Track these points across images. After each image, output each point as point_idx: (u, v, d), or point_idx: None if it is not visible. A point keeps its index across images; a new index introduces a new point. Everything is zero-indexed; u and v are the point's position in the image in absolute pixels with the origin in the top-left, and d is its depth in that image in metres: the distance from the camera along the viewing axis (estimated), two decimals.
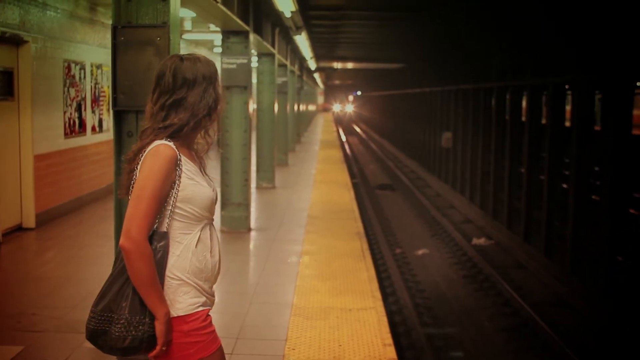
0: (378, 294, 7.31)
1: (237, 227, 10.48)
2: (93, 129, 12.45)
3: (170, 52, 5.10)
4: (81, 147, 11.94)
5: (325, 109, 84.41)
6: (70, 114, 11.44)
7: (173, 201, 2.98)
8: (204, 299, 3.04)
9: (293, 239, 10.06)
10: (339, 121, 76.65)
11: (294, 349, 5.72)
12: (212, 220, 3.17)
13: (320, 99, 78.37)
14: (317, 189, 15.51)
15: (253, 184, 13.82)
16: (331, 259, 8.78)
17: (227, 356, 5.54)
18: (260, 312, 6.75)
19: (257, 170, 15.26)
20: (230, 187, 10.50)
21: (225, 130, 10.46)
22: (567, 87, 15.68)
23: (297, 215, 12.07)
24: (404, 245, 17.05)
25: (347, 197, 14.19)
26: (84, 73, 11.99)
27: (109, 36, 12.90)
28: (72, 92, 11.49)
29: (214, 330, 3.08)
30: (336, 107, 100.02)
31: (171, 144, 2.98)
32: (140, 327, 2.90)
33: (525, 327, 11.18)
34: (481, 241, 17.21)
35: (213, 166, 16.64)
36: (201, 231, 3.06)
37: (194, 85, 3.03)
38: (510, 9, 14.44)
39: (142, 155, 2.99)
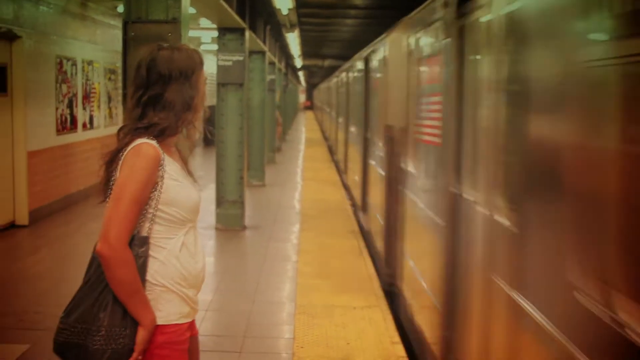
0: (380, 292, 7.30)
1: (232, 225, 10.43)
2: (84, 125, 12.35)
3: None
4: (72, 144, 11.83)
5: (306, 107, 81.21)
6: (62, 110, 11.34)
7: (155, 204, 2.75)
8: (187, 309, 2.85)
9: (288, 237, 10.03)
10: None
11: (302, 347, 5.69)
12: (196, 224, 2.96)
13: (302, 97, 77.82)
14: (307, 186, 15.48)
15: None
16: (329, 257, 8.76)
17: (236, 355, 5.55)
18: (265, 310, 6.71)
19: (248, 168, 15.20)
20: (226, 184, 10.45)
21: (220, 127, 10.42)
22: None
23: (289, 213, 12.04)
24: None
25: (338, 195, 14.17)
26: (76, 69, 11.89)
27: (99, 32, 12.92)
28: (64, 88, 11.38)
29: (186, 349, 2.87)
30: None
31: (154, 142, 2.75)
32: (121, 339, 2.67)
33: None
34: None
35: (198, 163, 16.47)
36: (185, 235, 2.84)
37: (169, 80, 2.79)
38: None
39: (122, 156, 2.75)
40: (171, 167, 2.80)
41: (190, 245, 2.86)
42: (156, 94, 2.79)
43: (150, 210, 2.75)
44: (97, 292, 2.71)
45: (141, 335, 2.70)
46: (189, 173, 2.98)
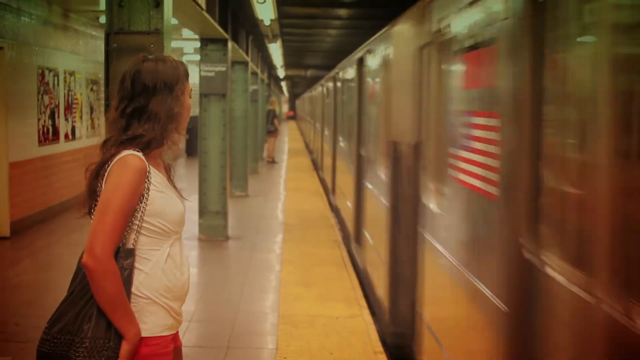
0: (363, 302, 7.31)
1: (215, 235, 10.42)
2: (66, 136, 12.31)
3: None
4: (54, 155, 11.79)
5: (289, 117, 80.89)
6: (44, 121, 11.30)
7: (141, 215, 2.74)
8: (171, 321, 2.84)
9: (271, 248, 10.03)
10: None
11: (285, 358, 5.69)
12: (181, 235, 2.95)
13: (285, 107, 77.59)
14: (290, 197, 15.49)
15: None
16: (312, 267, 8.76)
17: None
18: (248, 320, 6.71)
19: (230, 179, 15.16)
20: (208, 195, 10.45)
21: (203, 138, 10.41)
22: None
23: (272, 224, 12.05)
24: None
25: (320, 205, 14.18)
26: (58, 80, 11.85)
27: (81, 42, 12.90)
28: (46, 99, 11.35)
29: None
30: None
31: (140, 154, 2.75)
32: (104, 352, 2.65)
33: None
34: None
35: (181, 174, 16.43)
36: (171, 247, 2.83)
37: (154, 92, 2.79)
38: None
39: (107, 168, 2.74)
40: (157, 179, 2.81)
41: (175, 256, 2.86)
42: (141, 106, 2.79)
43: (136, 222, 2.75)
44: (82, 303, 2.70)
45: (125, 348, 2.68)
46: (174, 185, 2.99)
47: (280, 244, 10.26)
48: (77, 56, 12.80)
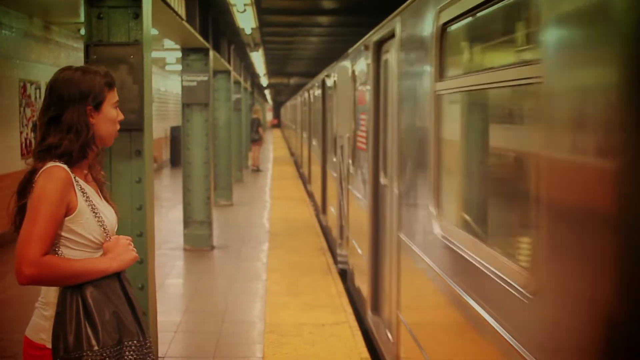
0: (349, 308, 7.32)
1: (200, 245, 10.40)
2: None
3: (144, 70, 5.07)
4: None
5: (274, 125, 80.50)
6: (27, 134, 11.26)
7: (67, 227, 2.71)
8: None
9: (257, 256, 10.02)
10: None
11: None
12: None
13: (269, 115, 77.48)
14: (275, 205, 15.48)
15: None
16: (298, 275, 8.76)
17: None
18: (234, 330, 6.70)
19: (215, 188, 15.15)
20: (192, 205, 10.43)
21: (186, 148, 10.41)
22: None
23: (258, 232, 12.04)
24: None
25: (306, 213, 14.18)
26: (40, 93, 11.81)
27: (63, 55, 12.85)
28: (28, 112, 11.31)
29: None
30: None
31: (64, 165, 2.71)
32: (150, 354, 2.76)
33: None
34: None
35: (166, 185, 16.35)
36: None
37: (68, 102, 2.75)
38: None
39: (34, 180, 2.69)
40: (84, 191, 2.77)
41: None
42: (55, 116, 2.76)
43: (63, 234, 2.71)
44: (72, 316, 2.67)
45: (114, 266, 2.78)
46: (105, 197, 2.96)
47: (266, 252, 10.25)
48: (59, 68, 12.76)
